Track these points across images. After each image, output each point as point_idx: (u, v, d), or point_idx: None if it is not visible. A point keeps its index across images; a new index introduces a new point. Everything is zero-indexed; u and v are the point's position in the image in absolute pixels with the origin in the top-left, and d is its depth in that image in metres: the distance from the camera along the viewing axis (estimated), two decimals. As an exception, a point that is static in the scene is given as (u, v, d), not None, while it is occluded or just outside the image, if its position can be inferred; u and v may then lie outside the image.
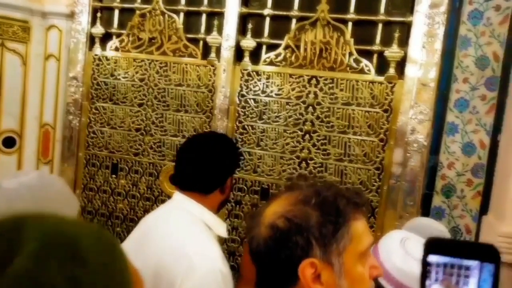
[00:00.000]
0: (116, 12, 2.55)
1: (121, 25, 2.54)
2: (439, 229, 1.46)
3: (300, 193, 0.84)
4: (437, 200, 2.02)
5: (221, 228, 1.35)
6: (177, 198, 1.34)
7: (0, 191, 0.86)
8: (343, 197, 0.83)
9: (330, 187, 0.86)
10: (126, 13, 2.53)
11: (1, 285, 0.38)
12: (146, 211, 2.44)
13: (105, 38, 2.57)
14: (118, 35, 2.53)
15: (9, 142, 2.58)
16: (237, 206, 2.36)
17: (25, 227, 0.42)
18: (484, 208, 1.95)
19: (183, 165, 1.35)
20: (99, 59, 2.55)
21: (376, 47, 2.11)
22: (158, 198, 2.48)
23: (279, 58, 2.25)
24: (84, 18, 2.54)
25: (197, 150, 1.34)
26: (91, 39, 2.57)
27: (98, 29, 2.54)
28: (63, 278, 0.39)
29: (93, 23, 2.56)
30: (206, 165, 1.31)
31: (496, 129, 1.92)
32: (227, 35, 2.29)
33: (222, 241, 2.37)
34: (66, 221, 0.46)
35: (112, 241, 0.48)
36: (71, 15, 2.56)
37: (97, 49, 2.55)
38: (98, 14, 2.55)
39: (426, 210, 2.04)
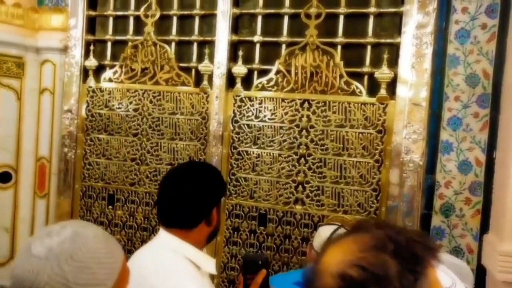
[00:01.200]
0: (109, 45, 2.58)
1: (114, 57, 2.57)
2: (460, 265, 1.44)
3: (369, 237, 0.75)
4: (436, 220, 2.00)
5: (209, 264, 1.29)
6: (161, 236, 1.29)
7: (29, 259, 0.79)
8: (418, 242, 0.74)
9: (400, 230, 0.77)
10: (119, 45, 2.57)
11: None
12: (144, 241, 2.42)
13: (99, 70, 2.59)
14: (112, 67, 2.55)
15: (5, 177, 2.58)
16: (235, 233, 2.33)
17: None
18: (484, 227, 1.93)
19: (162, 200, 1.29)
20: (93, 91, 2.57)
21: (366, 69, 2.13)
22: (155, 228, 2.46)
23: (271, 83, 2.26)
24: (77, 52, 2.57)
25: (176, 183, 1.27)
26: (85, 72, 2.59)
27: (92, 62, 2.57)
28: None
29: (86, 56, 2.59)
30: (185, 199, 1.25)
31: (491, 146, 1.92)
32: (219, 63, 2.31)
33: (220, 269, 2.34)
34: None
35: None
36: (64, 49, 2.60)
37: (91, 81, 2.58)
38: (91, 47, 2.58)
39: (426, 230, 2.02)
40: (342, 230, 1.50)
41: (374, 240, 0.73)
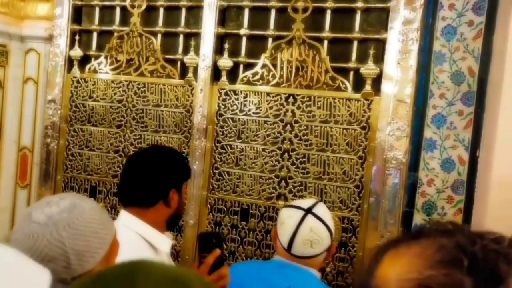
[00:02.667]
0: (95, 35, 2.55)
1: (100, 47, 2.54)
2: None
3: (437, 248, 0.62)
4: (418, 218, 1.98)
5: (164, 243, 1.31)
6: (120, 215, 1.33)
7: (29, 225, 0.86)
8: (498, 253, 0.60)
9: (473, 236, 0.63)
10: (104, 35, 2.53)
11: None
12: (125, 234, 2.38)
13: (84, 60, 2.56)
14: (97, 57, 2.52)
15: (-14, 167, 2.54)
16: (217, 227, 2.30)
17: (139, 274, 0.45)
18: (466, 226, 1.90)
19: (123, 180, 1.35)
20: (78, 82, 2.54)
21: (352, 65, 2.11)
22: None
23: (256, 77, 2.24)
24: (62, 41, 2.53)
25: (136, 164, 1.34)
26: (70, 62, 2.56)
27: (77, 52, 2.53)
28: None
29: (71, 45, 2.55)
30: (142, 178, 1.30)
31: (475, 145, 1.89)
32: (204, 55, 2.28)
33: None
34: (174, 268, 0.50)
35: (212, 285, 0.49)
36: (49, 39, 2.56)
37: (76, 72, 2.54)
38: (77, 37, 2.55)
39: (407, 228, 2.00)
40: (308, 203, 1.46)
41: (444, 253, 0.61)
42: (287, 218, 1.40)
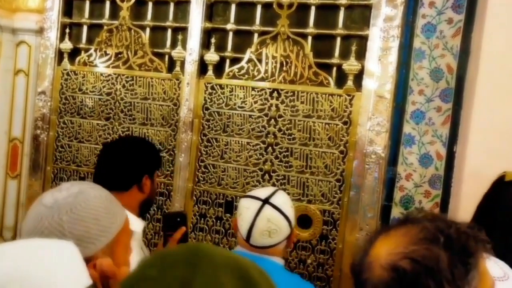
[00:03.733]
0: (85, 28, 2.58)
1: (90, 40, 2.57)
2: None
3: (420, 230, 0.75)
4: (396, 212, 2.02)
5: (136, 224, 1.33)
6: None
7: (37, 207, 0.89)
8: (468, 234, 0.75)
9: (450, 223, 0.78)
10: (94, 28, 2.57)
11: None
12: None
13: (74, 53, 2.59)
14: (87, 50, 2.55)
15: (-23, 157, 2.58)
16: (202, 219, 2.35)
17: (202, 257, 0.48)
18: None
19: (98, 166, 1.43)
20: (68, 74, 2.58)
21: (335, 60, 2.14)
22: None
23: (242, 72, 2.27)
24: (52, 34, 2.57)
25: (111, 151, 1.43)
26: (60, 54, 2.59)
27: (67, 45, 2.57)
28: None
29: (62, 38, 2.58)
30: (118, 162, 1.38)
31: (452, 140, 1.93)
32: (191, 49, 2.32)
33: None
34: (234, 255, 0.53)
35: (266, 272, 0.54)
36: (40, 31, 2.60)
37: (66, 64, 2.58)
38: (67, 30, 2.58)
39: (385, 221, 2.04)
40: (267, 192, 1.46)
41: (425, 233, 0.73)
42: (245, 209, 1.39)
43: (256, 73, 2.25)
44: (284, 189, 2.21)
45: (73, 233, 0.86)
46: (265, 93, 2.24)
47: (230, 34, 2.32)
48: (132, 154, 1.41)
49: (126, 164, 1.39)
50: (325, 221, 2.16)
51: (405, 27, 2.00)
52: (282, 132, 2.22)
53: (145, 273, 0.48)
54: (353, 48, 2.09)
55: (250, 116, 2.26)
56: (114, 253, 0.91)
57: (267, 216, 1.36)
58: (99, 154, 1.49)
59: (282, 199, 1.43)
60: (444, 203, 1.96)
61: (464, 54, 1.91)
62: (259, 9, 2.26)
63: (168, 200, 2.40)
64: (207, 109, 2.33)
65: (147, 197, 1.41)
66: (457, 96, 1.92)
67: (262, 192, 1.45)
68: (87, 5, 2.57)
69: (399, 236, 0.76)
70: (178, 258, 0.50)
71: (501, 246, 1.39)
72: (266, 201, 1.38)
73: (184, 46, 2.36)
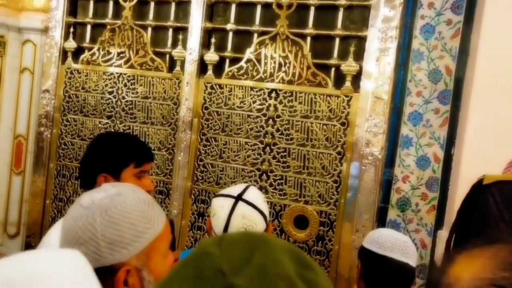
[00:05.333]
0: (89, 27, 2.61)
1: (93, 39, 2.61)
2: (401, 239, 1.40)
3: (510, 252, 0.66)
4: (392, 214, 2.00)
5: None
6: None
7: (75, 206, 0.86)
8: None
9: None
10: (98, 28, 2.60)
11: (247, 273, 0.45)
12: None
13: (78, 52, 2.63)
14: (90, 49, 2.59)
15: (-17, 153, 2.64)
16: (200, 218, 2.36)
17: (263, 241, 0.50)
18: (439, 223, 1.93)
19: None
20: (71, 73, 2.61)
21: (333, 61, 2.13)
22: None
23: (241, 72, 2.28)
24: (57, 33, 2.61)
25: (87, 149, 1.43)
26: (64, 53, 2.63)
27: (71, 44, 2.61)
28: (299, 276, 0.46)
29: (66, 37, 2.63)
30: (82, 161, 1.38)
31: (450, 143, 1.91)
32: (191, 49, 2.34)
33: (184, 253, 2.37)
34: (290, 243, 0.55)
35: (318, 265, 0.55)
36: (45, 30, 2.64)
37: (69, 63, 2.62)
38: (71, 29, 2.62)
39: (381, 223, 2.02)
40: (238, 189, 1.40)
41: None
42: (219, 208, 1.35)
43: (255, 73, 2.26)
44: (282, 189, 2.22)
45: (106, 236, 0.82)
46: (264, 93, 2.24)
47: (230, 34, 2.33)
48: (89, 152, 1.39)
49: (84, 163, 1.38)
50: (322, 222, 2.15)
51: (403, 28, 1.98)
52: (280, 133, 2.22)
53: (205, 250, 0.49)
54: (352, 49, 2.08)
55: (248, 116, 2.27)
56: (149, 260, 0.86)
57: (241, 212, 1.32)
58: None
59: (255, 195, 1.39)
60: (441, 206, 1.94)
61: (463, 56, 1.89)
62: (259, 9, 2.27)
63: (167, 198, 2.42)
64: (206, 108, 2.34)
65: None
66: (455, 98, 1.90)
67: (234, 189, 1.40)
68: (91, 4, 2.60)
69: (485, 258, 0.66)
70: (238, 239, 0.51)
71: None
72: (239, 197, 1.34)
73: (184, 46, 2.37)
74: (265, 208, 1.39)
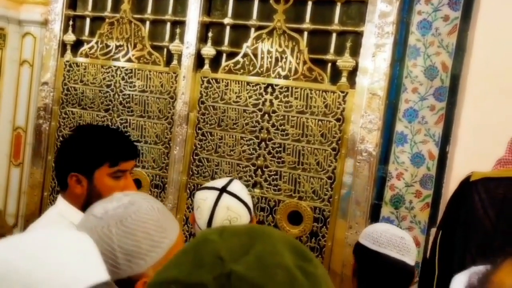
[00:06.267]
0: (88, 20, 2.62)
1: (92, 32, 2.61)
2: (397, 235, 1.35)
3: None
4: (386, 211, 1.99)
5: None
6: (57, 200, 1.28)
7: (87, 217, 0.85)
8: None
9: None
10: (97, 21, 2.61)
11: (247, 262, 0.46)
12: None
13: (77, 45, 2.64)
14: (89, 42, 2.60)
15: (-18, 144, 2.66)
16: (195, 212, 2.36)
17: (263, 232, 0.52)
18: (433, 220, 1.91)
19: None
20: (70, 65, 2.62)
21: (330, 57, 2.12)
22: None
23: (238, 66, 2.27)
24: (56, 26, 2.62)
25: (61, 143, 1.38)
26: (63, 46, 2.64)
27: (70, 36, 2.62)
28: (298, 268, 0.47)
29: (65, 30, 2.63)
30: (58, 157, 1.28)
31: (445, 140, 1.89)
32: (187, 43, 2.33)
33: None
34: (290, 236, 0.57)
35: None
36: (45, 23, 2.65)
37: (68, 56, 2.63)
38: (70, 22, 2.63)
39: (375, 220, 2.01)
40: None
41: None
42: (202, 201, 1.34)
43: (251, 68, 2.25)
44: (276, 185, 2.21)
45: (123, 247, 0.80)
46: (260, 88, 2.23)
47: (228, 29, 2.32)
48: (60, 149, 1.30)
49: (56, 161, 1.29)
50: (316, 218, 2.15)
51: (400, 23, 1.96)
52: (275, 128, 2.21)
53: (206, 237, 0.50)
54: (348, 44, 2.07)
55: (244, 110, 2.26)
56: None
57: (226, 204, 1.32)
58: None
59: (239, 187, 1.38)
60: (435, 203, 1.92)
61: (459, 52, 1.87)
62: (256, 3, 2.26)
63: (163, 192, 2.42)
64: (202, 103, 2.34)
65: (86, 199, 1.22)
66: (451, 95, 1.88)
67: (218, 182, 1.40)
68: (91, -2, 2.61)
69: None
70: (239, 229, 0.53)
71: (461, 244, 1.36)
72: (223, 189, 1.34)
73: (182, 40, 2.37)
74: (249, 200, 1.38)
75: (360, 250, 1.41)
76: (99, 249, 0.75)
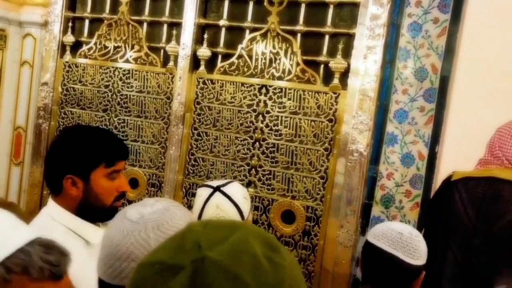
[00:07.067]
0: (87, 22, 2.67)
1: (91, 34, 2.66)
2: (396, 229, 1.28)
3: None
4: (376, 210, 2.02)
5: (94, 234, 1.21)
6: (48, 203, 1.27)
7: (122, 221, 0.85)
8: None
9: None
10: (96, 23, 2.65)
11: (221, 252, 0.52)
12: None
13: (76, 46, 2.69)
14: (88, 44, 2.64)
15: (-17, 143, 2.72)
16: (190, 211, 2.40)
17: (240, 227, 0.59)
18: (422, 220, 1.94)
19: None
20: (69, 66, 2.67)
21: (322, 58, 2.15)
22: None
23: (233, 67, 2.31)
24: (56, 27, 2.67)
25: (51, 144, 1.31)
26: (63, 47, 2.69)
27: (69, 38, 2.67)
28: (265, 257, 0.53)
29: (65, 32, 2.68)
30: (50, 160, 1.25)
31: (434, 141, 1.92)
32: (183, 44, 2.37)
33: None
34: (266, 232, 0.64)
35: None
36: (45, 24, 2.70)
37: (67, 57, 2.67)
38: (70, 24, 2.68)
39: (366, 220, 2.05)
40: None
41: None
42: (197, 197, 1.39)
43: (246, 69, 2.29)
44: (270, 184, 2.25)
45: None
46: (254, 89, 2.27)
47: (223, 30, 2.36)
48: (53, 151, 1.25)
49: (48, 164, 1.25)
50: (308, 217, 2.18)
51: (391, 26, 1.99)
52: (269, 128, 2.25)
53: (191, 227, 0.58)
54: (340, 46, 2.10)
55: (239, 111, 2.30)
56: None
57: (216, 202, 1.36)
58: None
59: (235, 188, 1.41)
60: (425, 203, 1.95)
61: (449, 54, 1.90)
62: (251, 6, 2.30)
63: (159, 191, 2.47)
64: (198, 103, 2.38)
65: (82, 201, 1.21)
66: (440, 97, 1.91)
67: (217, 182, 1.45)
68: None
69: None
70: (222, 223, 0.61)
71: (442, 241, 1.39)
72: (217, 188, 1.38)
73: (178, 41, 2.41)
74: (243, 204, 1.39)
75: (364, 244, 1.39)
76: (135, 253, 0.81)
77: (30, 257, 0.67)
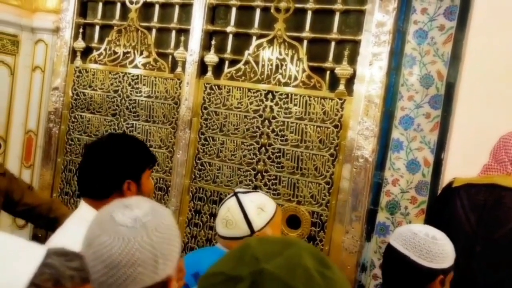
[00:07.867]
0: (97, 28, 2.72)
1: (101, 40, 2.71)
2: (412, 230, 1.25)
3: None
4: (382, 216, 2.02)
5: None
6: (81, 207, 1.31)
7: (115, 227, 0.83)
8: None
9: None
10: (106, 29, 2.70)
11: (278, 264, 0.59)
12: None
13: (87, 52, 2.74)
14: (98, 49, 2.69)
15: (-5, 146, 2.77)
16: (197, 215, 2.43)
17: (293, 242, 0.65)
18: (427, 226, 1.94)
19: (79, 169, 1.35)
20: (80, 71, 2.72)
21: (328, 64, 2.17)
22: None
23: (239, 73, 2.34)
24: (67, 33, 2.72)
25: (91, 153, 1.35)
26: (73, 53, 2.74)
27: (80, 43, 2.72)
28: (317, 271, 0.59)
29: (75, 38, 2.73)
30: (96, 167, 1.30)
31: (440, 147, 1.92)
32: (191, 50, 2.41)
33: (181, 249, 2.44)
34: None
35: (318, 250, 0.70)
36: (56, 30, 2.76)
37: (78, 62, 2.72)
38: (81, 30, 2.73)
39: (371, 225, 2.05)
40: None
41: None
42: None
43: (252, 75, 2.31)
44: (275, 189, 2.26)
45: (164, 253, 0.84)
46: (260, 94, 2.29)
47: (230, 37, 2.39)
48: (110, 157, 1.30)
49: (104, 169, 1.28)
50: (314, 222, 2.19)
51: (396, 33, 2.00)
52: (275, 133, 2.26)
53: (249, 243, 0.65)
54: (346, 52, 2.12)
55: (245, 116, 2.32)
56: (178, 267, 0.91)
57: (228, 205, 1.39)
58: (82, 156, 1.40)
59: (252, 198, 1.40)
60: (430, 210, 1.94)
61: (454, 61, 1.90)
62: (258, 12, 2.32)
63: (166, 195, 2.49)
64: (205, 108, 2.41)
65: None
66: (446, 103, 1.91)
67: (246, 189, 1.52)
68: (100, 6, 2.71)
69: None
70: (276, 239, 0.68)
71: None
72: (235, 193, 1.42)
73: (186, 47, 2.45)
74: (254, 215, 1.37)
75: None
76: (141, 258, 0.81)
77: (56, 269, 0.66)
